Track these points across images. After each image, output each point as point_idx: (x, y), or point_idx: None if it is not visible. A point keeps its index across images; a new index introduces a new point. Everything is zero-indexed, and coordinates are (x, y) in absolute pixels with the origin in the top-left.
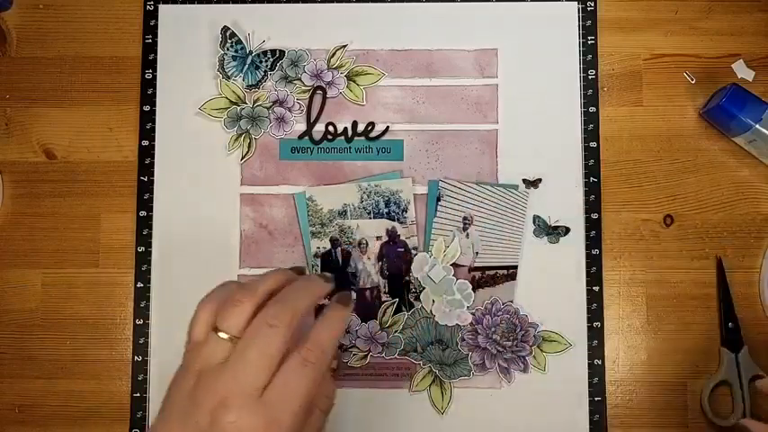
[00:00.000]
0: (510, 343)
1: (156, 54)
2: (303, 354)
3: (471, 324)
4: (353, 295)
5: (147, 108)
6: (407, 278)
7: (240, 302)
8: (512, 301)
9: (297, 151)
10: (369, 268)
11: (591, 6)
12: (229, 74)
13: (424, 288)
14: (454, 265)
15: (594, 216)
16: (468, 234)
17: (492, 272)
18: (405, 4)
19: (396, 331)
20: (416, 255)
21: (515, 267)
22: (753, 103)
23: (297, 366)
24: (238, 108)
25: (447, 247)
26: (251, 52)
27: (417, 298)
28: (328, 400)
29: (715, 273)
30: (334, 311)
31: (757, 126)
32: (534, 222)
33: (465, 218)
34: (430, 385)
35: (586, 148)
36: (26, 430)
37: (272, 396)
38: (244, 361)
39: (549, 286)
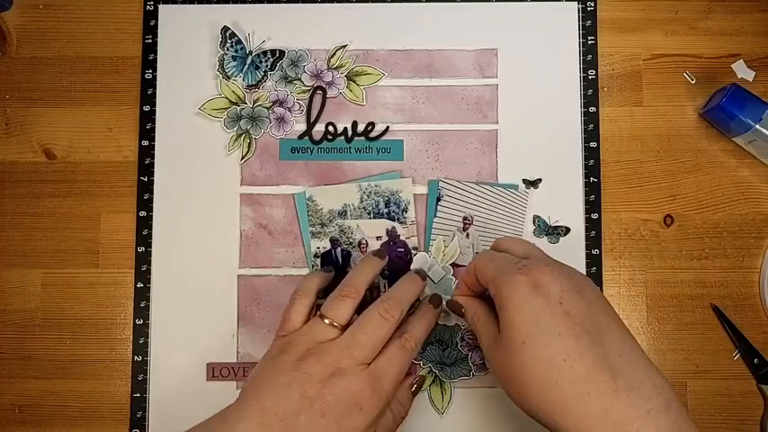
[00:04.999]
0: None
1: (156, 54)
2: (402, 341)
3: None
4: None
5: (147, 108)
6: None
7: (347, 298)
8: None
9: (297, 151)
10: None
11: (591, 6)
12: (229, 74)
13: None
14: (455, 265)
15: (594, 216)
16: (468, 234)
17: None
18: (405, 4)
19: None
20: (416, 255)
21: None
22: (753, 103)
23: (396, 350)
24: (238, 108)
25: (446, 247)
26: (251, 52)
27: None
28: (402, 408)
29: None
30: (427, 311)
31: (757, 126)
32: (534, 222)
33: (465, 218)
34: (430, 385)
35: (586, 148)
36: (26, 430)
37: (377, 369)
38: (357, 341)
39: None
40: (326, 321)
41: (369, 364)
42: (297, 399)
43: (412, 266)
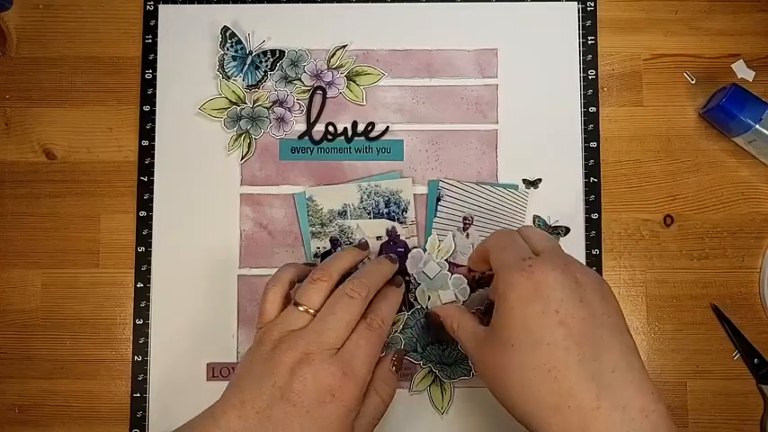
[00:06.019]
0: None
1: (156, 54)
2: (368, 321)
3: None
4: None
5: (147, 108)
6: (407, 278)
7: (318, 281)
8: None
9: (297, 151)
10: None
11: (591, 6)
12: (229, 74)
13: (419, 284)
14: (455, 264)
15: (594, 216)
16: (468, 234)
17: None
18: (405, 4)
19: (396, 331)
20: (411, 251)
21: None
22: (753, 103)
23: (363, 330)
24: (238, 108)
25: (441, 243)
26: (251, 52)
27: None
28: (388, 387)
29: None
30: (389, 290)
31: (757, 126)
32: (534, 222)
33: (465, 218)
34: (430, 385)
35: (586, 148)
36: (26, 430)
37: (346, 352)
38: (325, 324)
39: None
40: (301, 309)
41: (340, 347)
42: (269, 389)
43: (407, 263)
